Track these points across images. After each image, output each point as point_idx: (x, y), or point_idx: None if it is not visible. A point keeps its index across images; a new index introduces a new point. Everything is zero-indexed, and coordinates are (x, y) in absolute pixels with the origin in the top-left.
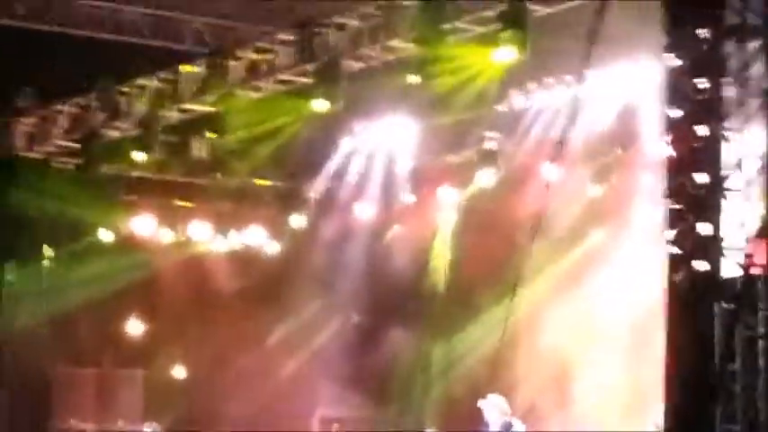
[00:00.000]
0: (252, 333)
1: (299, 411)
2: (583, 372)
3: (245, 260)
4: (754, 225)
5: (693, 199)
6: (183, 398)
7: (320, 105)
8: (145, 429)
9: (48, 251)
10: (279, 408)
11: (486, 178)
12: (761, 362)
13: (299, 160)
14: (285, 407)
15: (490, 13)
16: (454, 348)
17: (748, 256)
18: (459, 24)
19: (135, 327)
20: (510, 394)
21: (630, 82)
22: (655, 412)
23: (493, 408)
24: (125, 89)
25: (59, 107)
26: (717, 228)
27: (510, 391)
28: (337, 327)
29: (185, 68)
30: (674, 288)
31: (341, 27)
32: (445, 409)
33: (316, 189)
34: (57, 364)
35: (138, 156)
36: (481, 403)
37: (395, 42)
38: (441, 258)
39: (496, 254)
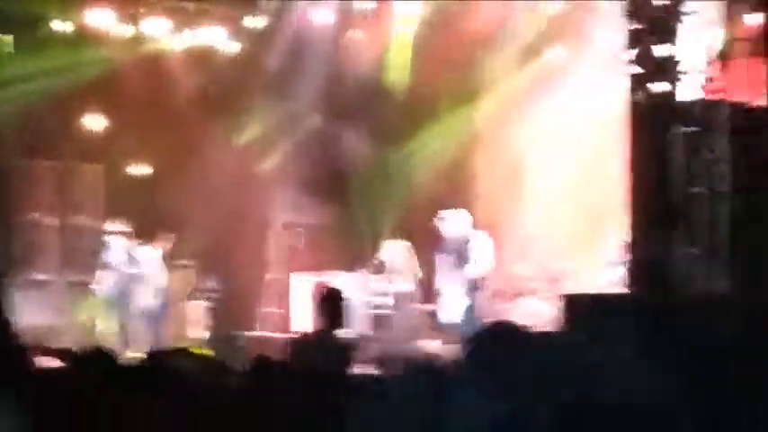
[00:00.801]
0: (212, 135)
1: (261, 216)
2: (539, 185)
3: (204, 60)
4: (716, 48)
5: (652, 21)
6: (145, 197)
7: None
8: (108, 227)
9: (5, 39)
10: (240, 212)
11: None
12: (722, 187)
13: None
14: (246, 211)
15: None
16: (412, 156)
17: (708, 79)
18: None
19: (95, 121)
20: (470, 208)
21: None
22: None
23: (450, 222)
24: None
25: None
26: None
27: (470, 204)
28: (296, 132)
29: None
30: (634, 109)
31: None
32: (404, 218)
33: None
34: (16, 157)
35: None
36: (437, 220)
37: None
38: (398, 67)
39: (454, 65)
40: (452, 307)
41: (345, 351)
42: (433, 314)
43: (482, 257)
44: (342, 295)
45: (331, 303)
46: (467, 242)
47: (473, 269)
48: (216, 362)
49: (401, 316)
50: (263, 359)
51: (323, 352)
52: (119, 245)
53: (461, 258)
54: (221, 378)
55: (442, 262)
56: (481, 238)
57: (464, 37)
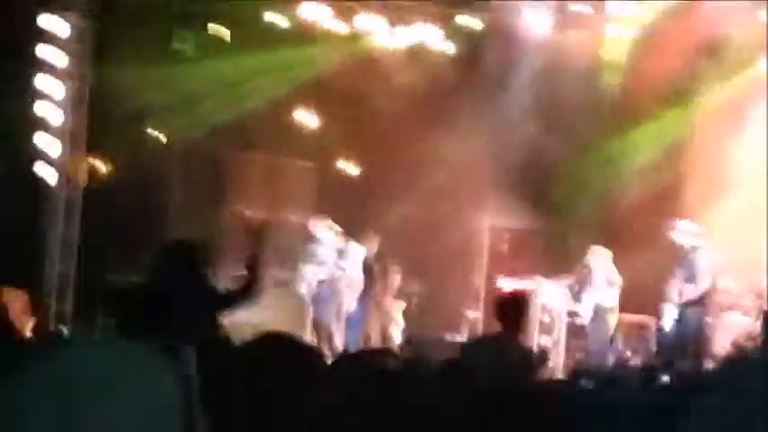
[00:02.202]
0: (424, 134)
1: (469, 219)
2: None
3: (419, 58)
4: None
5: None
6: (353, 195)
7: None
8: (318, 223)
9: (218, 30)
10: (450, 214)
11: None
12: None
13: None
14: (453, 213)
15: None
16: (621, 160)
17: None
18: None
19: (308, 119)
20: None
21: None
22: None
23: (683, 233)
24: None
25: None
26: None
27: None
28: (510, 135)
29: None
30: None
31: None
32: (610, 227)
33: None
34: (229, 148)
35: None
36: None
37: None
38: (612, 70)
39: (668, 70)
40: (671, 318)
41: (521, 357)
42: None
43: (708, 271)
44: (524, 301)
45: (508, 308)
46: (695, 254)
47: (701, 284)
48: (408, 363)
49: (597, 327)
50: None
51: (496, 357)
52: (329, 240)
53: (689, 270)
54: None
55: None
56: (709, 252)
57: (680, 41)
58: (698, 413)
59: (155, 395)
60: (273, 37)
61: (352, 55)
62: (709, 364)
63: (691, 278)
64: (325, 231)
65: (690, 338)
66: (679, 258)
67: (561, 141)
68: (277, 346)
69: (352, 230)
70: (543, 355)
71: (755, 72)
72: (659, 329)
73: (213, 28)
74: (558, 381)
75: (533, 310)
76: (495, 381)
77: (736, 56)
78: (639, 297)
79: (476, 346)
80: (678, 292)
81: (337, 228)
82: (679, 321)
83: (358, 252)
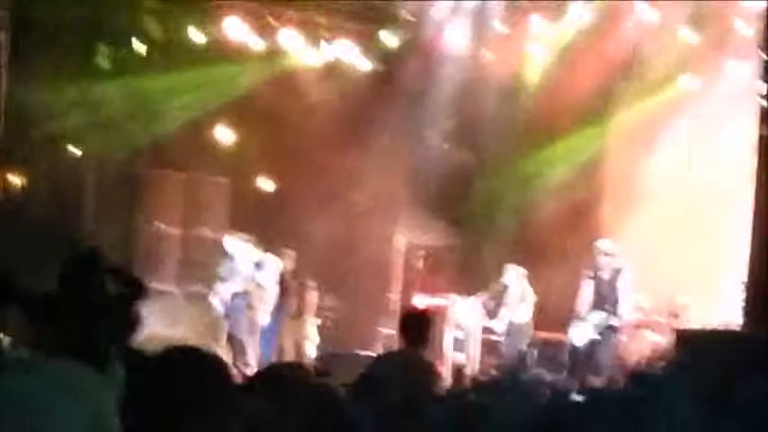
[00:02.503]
0: (340, 150)
1: (384, 237)
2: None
3: (336, 75)
4: None
5: None
6: (268, 212)
7: None
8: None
9: (137, 45)
10: (363, 230)
11: (579, 12)
12: None
13: None
14: (369, 229)
15: None
16: (536, 179)
17: None
18: None
19: (224, 135)
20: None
21: None
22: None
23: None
24: None
25: None
26: None
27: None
28: (423, 151)
29: None
30: (763, 143)
31: None
32: (525, 244)
33: (409, 9)
34: (146, 166)
35: None
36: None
37: None
38: (529, 89)
39: (584, 89)
40: (583, 336)
41: (424, 373)
42: (552, 343)
43: (629, 293)
44: (426, 317)
45: (412, 324)
46: (617, 275)
47: (623, 306)
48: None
49: (511, 343)
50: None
51: (400, 372)
52: (244, 253)
53: (609, 290)
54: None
55: (587, 290)
56: (629, 274)
57: (597, 61)
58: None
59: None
60: (193, 54)
61: (270, 72)
62: (620, 382)
63: (609, 297)
64: (242, 243)
65: (602, 356)
66: (595, 277)
67: (477, 159)
68: (185, 360)
69: (269, 246)
70: (456, 371)
71: (674, 91)
72: (572, 347)
73: (134, 44)
74: (459, 394)
75: (441, 326)
76: (399, 395)
77: (655, 75)
78: (554, 314)
79: (381, 361)
80: (588, 308)
81: (253, 241)
82: (593, 339)
83: (274, 265)
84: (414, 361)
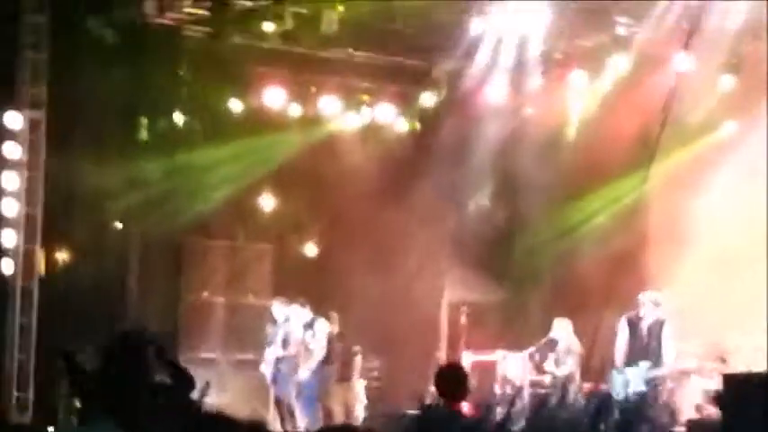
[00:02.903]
0: (382, 211)
1: (428, 295)
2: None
3: (375, 138)
4: None
5: None
6: (312, 275)
7: None
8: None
9: (179, 117)
10: (407, 291)
11: (617, 64)
12: None
13: (431, 39)
14: (413, 288)
15: None
16: (581, 230)
17: None
18: None
19: (266, 202)
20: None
21: None
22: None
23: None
24: None
25: None
26: None
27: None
28: (465, 208)
29: None
30: None
31: None
32: (569, 296)
33: (447, 69)
34: (188, 235)
35: (269, 26)
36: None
37: None
38: (568, 139)
39: (625, 138)
40: (625, 386)
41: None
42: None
43: (672, 345)
44: (461, 369)
45: (446, 380)
46: (660, 325)
47: (666, 357)
48: None
49: (560, 396)
50: None
51: (438, 427)
52: (294, 316)
53: (651, 339)
54: None
55: (623, 339)
56: (670, 327)
57: (637, 109)
58: None
59: None
60: (234, 124)
61: (310, 138)
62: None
63: (651, 347)
64: (293, 306)
65: (649, 405)
66: (637, 327)
67: (519, 213)
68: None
69: (313, 309)
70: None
71: (714, 136)
72: (618, 397)
73: (175, 117)
74: None
75: (490, 381)
76: None
77: (694, 121)
78: (600, 365)
79: (421, 418)
80: (625, 357)
81: (302, 303)
82: (638, 389)
83: (323, 327)
84: (450, 415)
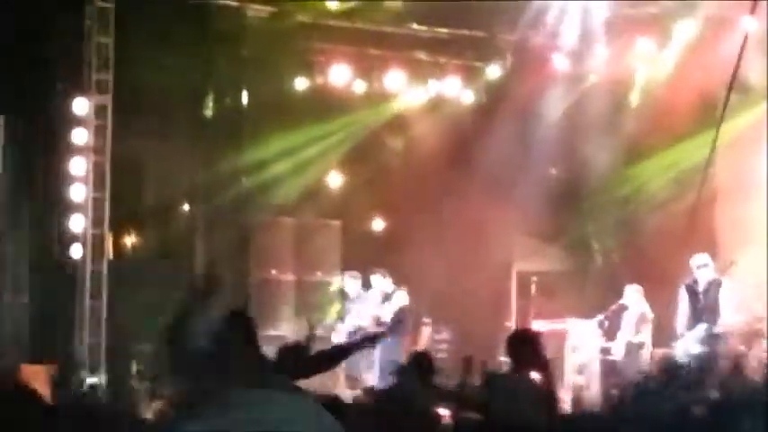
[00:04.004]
0: (449, 185)
1: (496, 265)
2: None
3: (441, 111)
4: None
5: None
6: (380, 250)
7: None
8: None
9: (244, 97)
10: (475, 261)
11: (684, 29)
12: None
13: (494, 10)
14: (481, 259)
15: None
16: (647, 198)
17: None
18: None
19: (333, 178)
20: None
21: None
22: None
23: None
24: None
25: None
26: None
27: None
28: (534, 179)
29: None
30: None
31: None
32: (637, 262)
33: (511, 39)
34: (255, 213)
35: (332, 4)
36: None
37: None
38: (635, 109)
39: (691, 102)
40: (689, 350)
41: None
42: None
43: (729, 306)
44: (534, 338)
45: (517, 346)
46: (715, 286)
47: (721, 318)
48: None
49: (631, 363)
50: None
51: (507, 393)
52: (372, 288)
53: (709, 304)
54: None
55: (686, 305)
56: (729, 287)
57: (702, 73)
58: None
59: None
60: (300, 102)
61: (377, 114)
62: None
63: (709, 309)
64: (376, 277)
65: (715, 367)
66: (693, 290)
67: (584, 180)
68: None
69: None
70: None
71: None
72: (685, 361)
73: (241, 97)
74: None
75: (561, 350)
76: (506, 415)
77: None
78: (669, 330)
79: (490, 384)
80: (688, 322)
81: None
82: (702, 351)
83: (402, 299)
84: (521, 381)
